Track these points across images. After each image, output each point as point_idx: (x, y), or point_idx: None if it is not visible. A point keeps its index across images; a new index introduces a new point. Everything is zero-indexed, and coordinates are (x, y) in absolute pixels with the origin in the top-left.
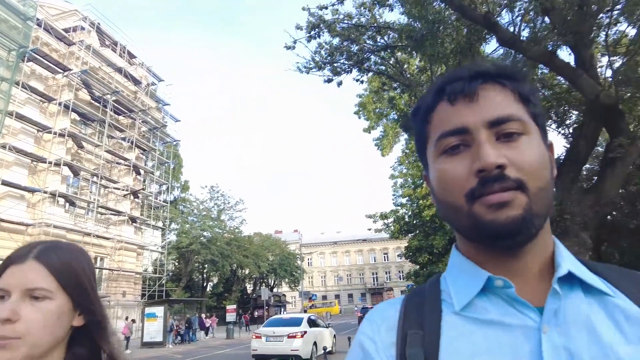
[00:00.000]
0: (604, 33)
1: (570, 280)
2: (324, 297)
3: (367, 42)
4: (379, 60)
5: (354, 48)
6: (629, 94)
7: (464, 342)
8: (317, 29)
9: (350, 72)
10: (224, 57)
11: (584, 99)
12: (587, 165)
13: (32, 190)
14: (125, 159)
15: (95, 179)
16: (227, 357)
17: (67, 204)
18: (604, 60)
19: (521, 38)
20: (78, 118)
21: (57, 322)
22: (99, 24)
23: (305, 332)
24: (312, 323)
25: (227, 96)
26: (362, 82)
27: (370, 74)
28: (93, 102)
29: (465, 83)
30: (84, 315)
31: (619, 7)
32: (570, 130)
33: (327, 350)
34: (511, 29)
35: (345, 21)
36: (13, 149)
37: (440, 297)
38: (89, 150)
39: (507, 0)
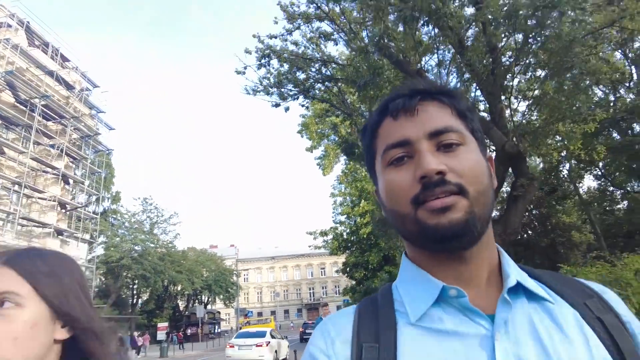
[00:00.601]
0: (517, 80)
1: (516, 288)
2: (259, 314)
3: (313, 71)
4: (323, 88)
5: (301, 76)
6: (527, 144)
7: (421, 353)
8: (267, 58)
9: (297, 99)
10: (168, 66)
11: (494, 147)
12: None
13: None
14: (54, 167)
15: (17, 187)
16: None
17: None
18: (516, 105)
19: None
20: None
21: (31, 334)
22: (28, 22)
23: (269, 342)
24: (272, 336)
25: (168, 107)
26: (307, 107)
27: (314, 100)
28: (18, 104)
29: (406, 99)
30: (69, 327)
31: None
32: None
33: (283, 358)
34: (439, 82)
35: (294, 51)
36: None
37: (394, 307)
38: (10, 156)
39: (437, 61)
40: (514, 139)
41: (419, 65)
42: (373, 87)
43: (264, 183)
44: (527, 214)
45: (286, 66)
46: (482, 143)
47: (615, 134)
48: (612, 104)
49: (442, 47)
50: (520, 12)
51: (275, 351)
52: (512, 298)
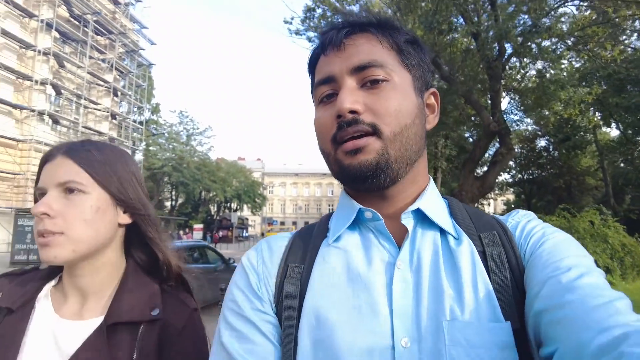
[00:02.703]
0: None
1: (429, 221)
2: (282, 223)
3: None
4: None
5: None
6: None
7: (328, 271)
8: (312, 12)
9: None
10: None
11: (482, 124)
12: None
13: (20, 108)
14: (105, 81)
15: (76, 99)
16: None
17: (52, 122)
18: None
19: (454, 77)
20: (58, 36)
21: (97, 216)
22: None
23: None
24: None
25: (204, 26)
26: None
27: None
28: (72, 19)
29: (334, 33)
30: (130, 213)
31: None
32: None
33: None
34: (447, 69)
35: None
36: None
37: (326, 234)
38: (70, 70)
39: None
40: (498, 119)
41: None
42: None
43: (293, 100)
44: (545, 154)
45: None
46: (419, 78)
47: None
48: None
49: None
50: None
51: None
52: (424, 229)
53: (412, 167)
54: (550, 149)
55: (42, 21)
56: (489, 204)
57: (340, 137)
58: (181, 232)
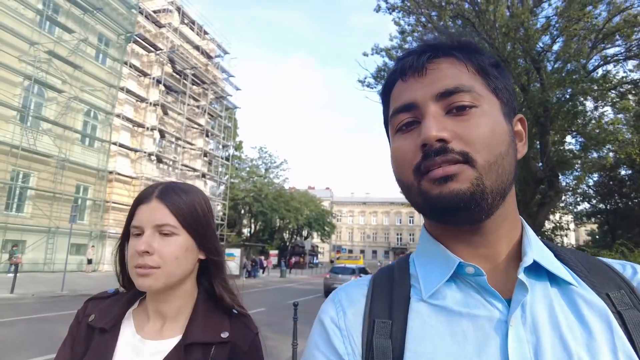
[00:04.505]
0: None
1: (537, 269)
2: (350, 251)
3: None
4: None
5: None
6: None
7: (429, 332)
8: (383, 72)
9: None
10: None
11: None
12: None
13: (135, 150)
14: (199, 124)
15: (175, 140)
16: (295, 289)
17: (157, 161)
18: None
19: None
20: (163, 89)
21: (185, 255)
22: (182, 6)
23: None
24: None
25: (279, 71)
26: None
27: None
28: (175, 74)
29: (414, 58)
30: (204, 251)
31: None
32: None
33: None
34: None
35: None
36: (122, 117)
37: (409, 282)
38: (171, 116)
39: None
40: (547, 166)
41: None
42: None
43: (360, 130)
44: (628, 182)
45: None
46: (507, 104)
47: None
48: None
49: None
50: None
51: None
52: (533, 280)
53: (504, 200)
54: (635, 177)
55: (153, 78)
56: (566, 235)
57: (425, 167)
58: (262, 257)
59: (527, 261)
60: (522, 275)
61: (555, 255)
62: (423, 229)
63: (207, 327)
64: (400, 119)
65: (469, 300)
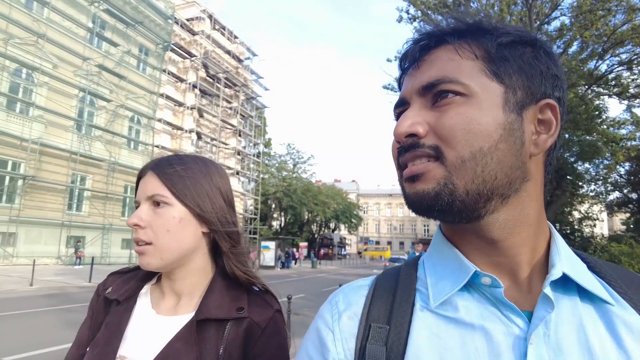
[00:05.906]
0: None
1: (566, 282)
2: (377, 243)
3: None
4: None
5: None
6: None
7: (436, 346)
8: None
9: None
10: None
11: None
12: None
13: (175, 152)
14: (232, 125)
15: (211, 141)
16: (328, 279)
17: None
18: None
19: None
20: (199, 93)
21: (180, 228)
22: (214, 14)
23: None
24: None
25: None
26: None
27: None
28: (208, 78)
29: (409, 49)
30: (205, 224)
31: None
32: None
33: None
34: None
35: None
36: (162, 121)
37: (415, 286)
38: (207, 118)
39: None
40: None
41: None
42: None
43: (385, 122)
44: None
45: None
46: (520, 89)
47: None
48: None
49: None
50: None
51: None
52: (560, 294)
53: (506, 202)
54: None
55: (188, 83)
56: (594, 225)
57: (402, 164)
58: (294, 249)
59: (555, 274)
60: (547, 290)
61: (589, 268)
62: (438, 229)
63: (222, 303)
64: (396, 115)
65: (484, 313)
